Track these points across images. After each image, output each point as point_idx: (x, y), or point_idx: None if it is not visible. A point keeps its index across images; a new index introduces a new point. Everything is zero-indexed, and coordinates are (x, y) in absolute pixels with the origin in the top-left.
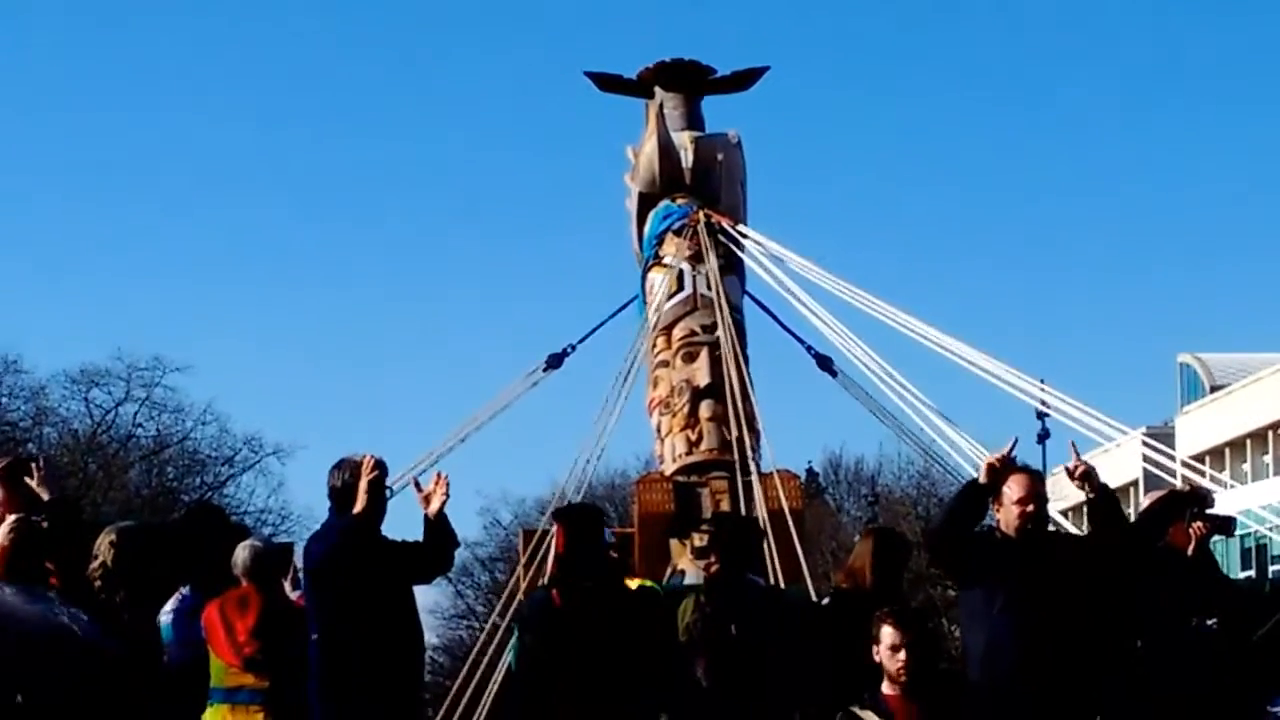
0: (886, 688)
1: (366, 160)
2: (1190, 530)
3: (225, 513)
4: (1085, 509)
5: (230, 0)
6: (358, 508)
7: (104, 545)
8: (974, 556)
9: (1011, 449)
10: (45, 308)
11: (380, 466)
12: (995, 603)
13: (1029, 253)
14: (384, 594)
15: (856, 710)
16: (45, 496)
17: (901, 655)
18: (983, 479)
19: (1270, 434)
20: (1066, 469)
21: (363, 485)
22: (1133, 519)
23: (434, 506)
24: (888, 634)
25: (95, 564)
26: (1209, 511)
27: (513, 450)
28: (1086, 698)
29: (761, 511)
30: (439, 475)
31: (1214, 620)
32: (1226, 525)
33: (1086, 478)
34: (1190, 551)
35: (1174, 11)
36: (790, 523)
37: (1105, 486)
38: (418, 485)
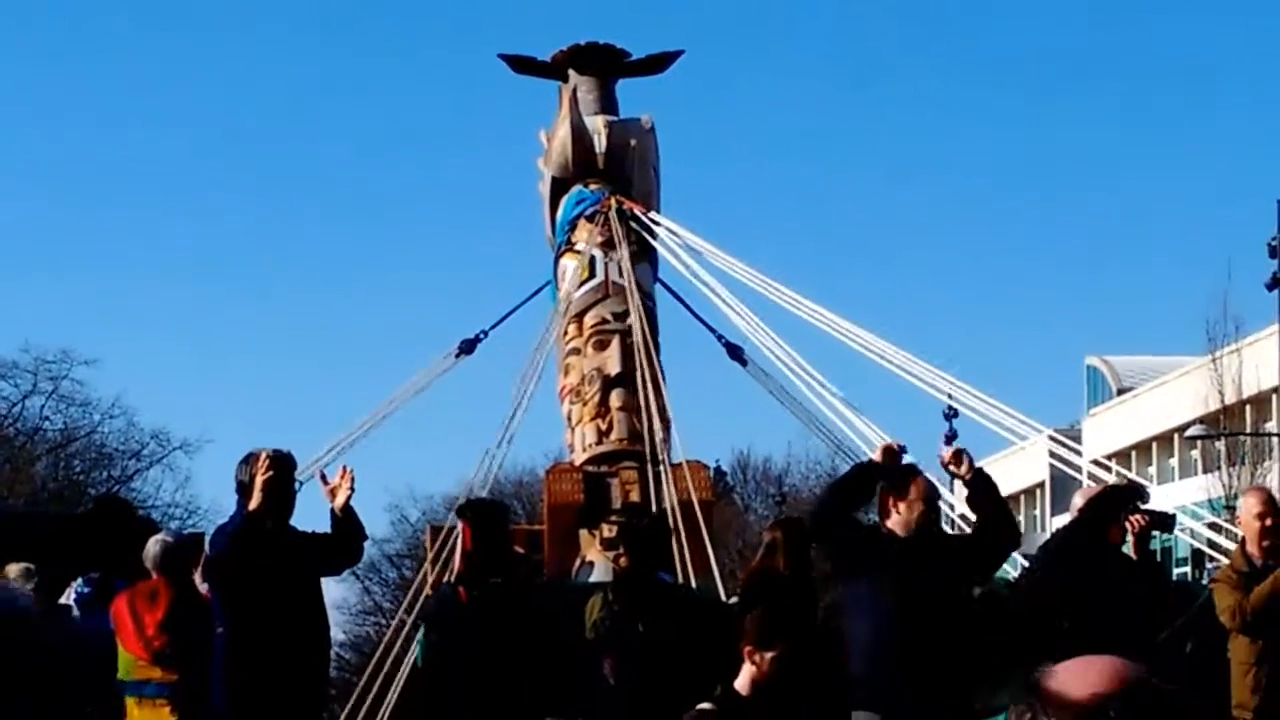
0: (743, 686)
1: (272, 153)
2: (1128, 524)
3: (132, 505)
4: (965, 493)
5: None
6: (252, 505)
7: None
8: (859, 548)
9: (902, 446)
10: None
11: (282, 461)
12: (881, 598)
13: (936, 253)
14: (289, 587)
15: (703, 708)
16: None
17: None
18: (877, 457)
19: (1176, 437)
20: (940, 459)
21: (258, 482)
22: (1070, 519)
23: (340, 500)
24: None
25: None
26: (1146, 507)
27: (422, 447)
28: (963, 693)
29: (671, 502)
30: (344, 469)
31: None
32: (1166, 522)
33: (959, 459)
34: (1133, 550)
35: (1087, 9)
36: (699, 513)
37: (980, 469)
38: (324, 478)
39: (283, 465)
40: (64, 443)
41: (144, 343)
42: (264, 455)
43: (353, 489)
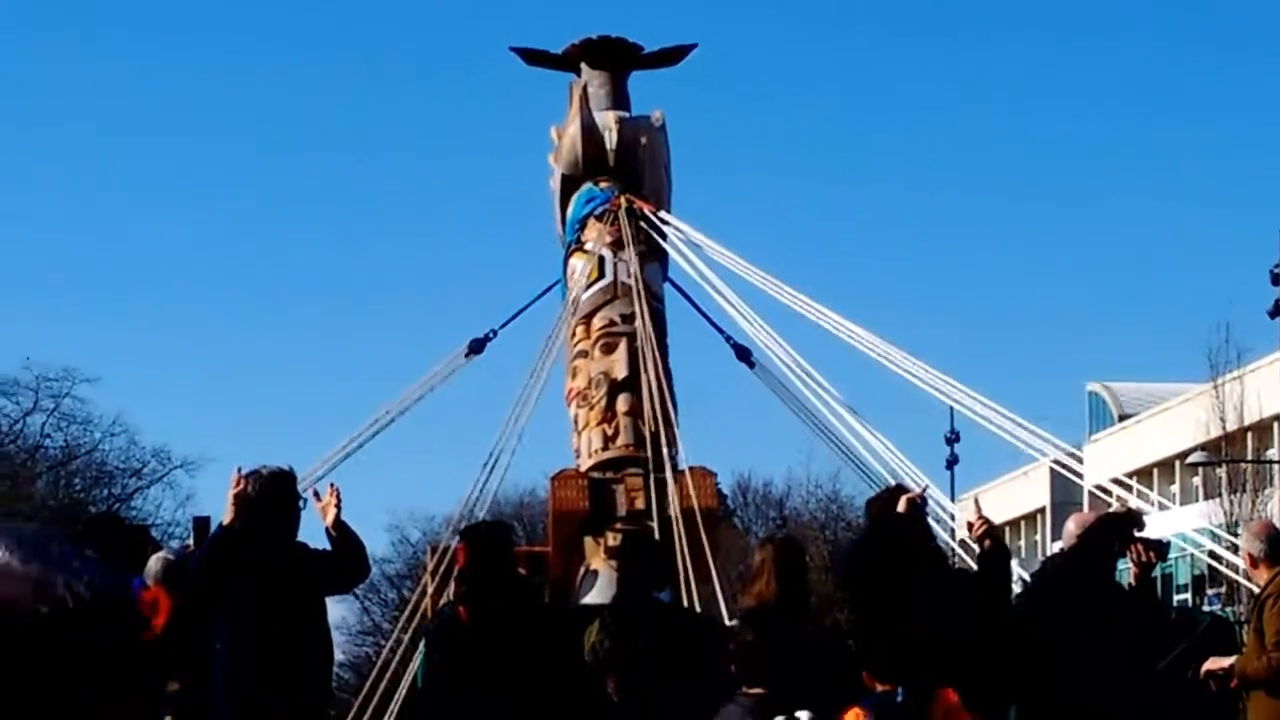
0: None
1: (273, 162)
2: (1130, 554)
3: (121, 519)
4: (980, 559)
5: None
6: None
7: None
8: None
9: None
10: None
11: (280, 478)
12: None
13: (940, 277)
14: (288, 603)
15: None
16: None
17: None
18: (902, 509)
19: (1177, 464)
20: (968, 523)
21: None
22: (1069, 545)
23: (330, 518)
24: None
25: None
26: (1141, 535)
27: (426, 467)
28: None
29: (675, 509)
30: (331, 486)
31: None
32: (1160, 549)
33: (986, 535)
34: (1133, 578)
35: (1096, 33)
36: (701, 521)
37: (1001, 543)
38: (317, 495)
39: (281, 482)
40: (64, 460)
41: (146, 360)
42: (237, 472)
43: (339, 505)
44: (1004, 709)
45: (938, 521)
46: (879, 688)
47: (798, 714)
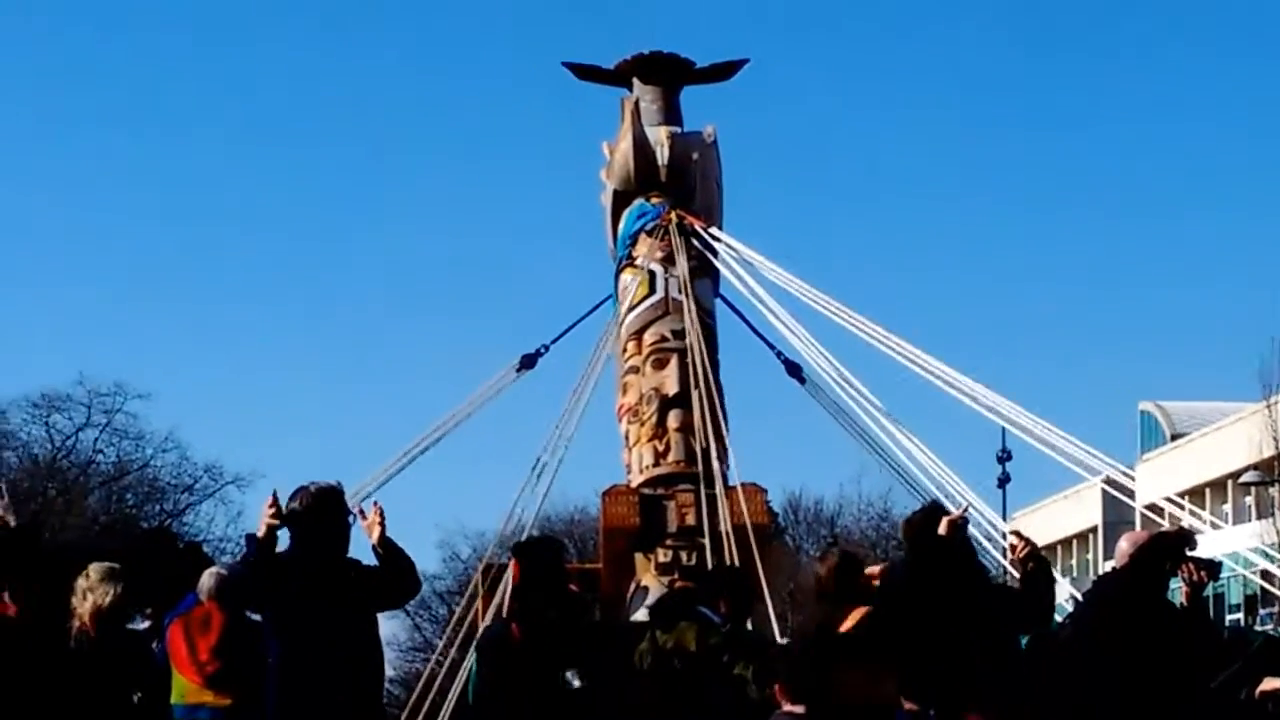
0: None
1: (326, 173)
2: (1182, 574)
3: (175, 535)
4: (1022, 579)
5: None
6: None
7: (99, 588)
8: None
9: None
10: (6, 331)
11: (327, 494)
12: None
13: (993, 295)
14: (338, 619)
15: None
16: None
17: None
18: (943, 531)
19: (1229, 483)
20: (1011, 545)
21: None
22: (1121, 565)
23: (375, 535)
24: None
25: (87, 604)
26: (1192, 555)
27: (476, 482)
28: None
29: (726, 525)
30: (375, 505)
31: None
32: (1212, 569)
33: (1030, 558)
34: (1184, 598)
35: (1160, 47)
36: (752, 538)
37: (1045, 564)
38: (362, 513)
39: (329, 498)
40: (117, 476)
41: (198, 377)
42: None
43: (383, 522)
44: None
45: (989, 540)
46: (907, 706)
47: None
